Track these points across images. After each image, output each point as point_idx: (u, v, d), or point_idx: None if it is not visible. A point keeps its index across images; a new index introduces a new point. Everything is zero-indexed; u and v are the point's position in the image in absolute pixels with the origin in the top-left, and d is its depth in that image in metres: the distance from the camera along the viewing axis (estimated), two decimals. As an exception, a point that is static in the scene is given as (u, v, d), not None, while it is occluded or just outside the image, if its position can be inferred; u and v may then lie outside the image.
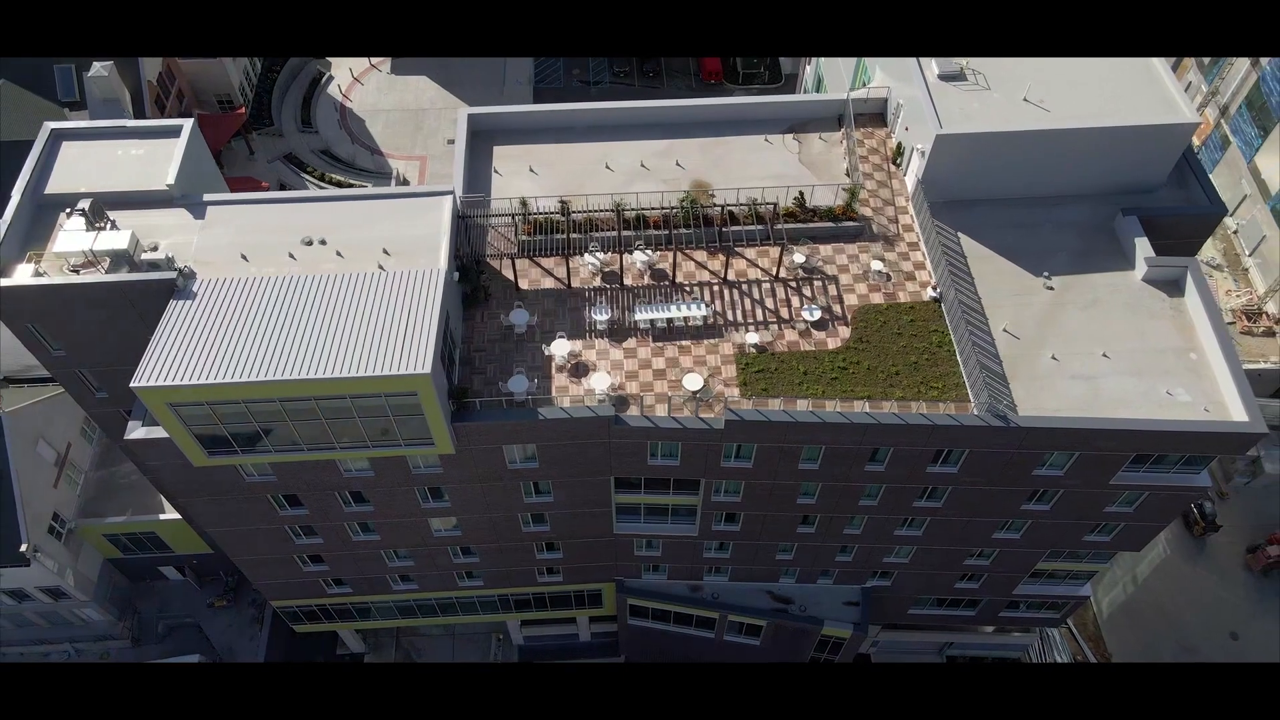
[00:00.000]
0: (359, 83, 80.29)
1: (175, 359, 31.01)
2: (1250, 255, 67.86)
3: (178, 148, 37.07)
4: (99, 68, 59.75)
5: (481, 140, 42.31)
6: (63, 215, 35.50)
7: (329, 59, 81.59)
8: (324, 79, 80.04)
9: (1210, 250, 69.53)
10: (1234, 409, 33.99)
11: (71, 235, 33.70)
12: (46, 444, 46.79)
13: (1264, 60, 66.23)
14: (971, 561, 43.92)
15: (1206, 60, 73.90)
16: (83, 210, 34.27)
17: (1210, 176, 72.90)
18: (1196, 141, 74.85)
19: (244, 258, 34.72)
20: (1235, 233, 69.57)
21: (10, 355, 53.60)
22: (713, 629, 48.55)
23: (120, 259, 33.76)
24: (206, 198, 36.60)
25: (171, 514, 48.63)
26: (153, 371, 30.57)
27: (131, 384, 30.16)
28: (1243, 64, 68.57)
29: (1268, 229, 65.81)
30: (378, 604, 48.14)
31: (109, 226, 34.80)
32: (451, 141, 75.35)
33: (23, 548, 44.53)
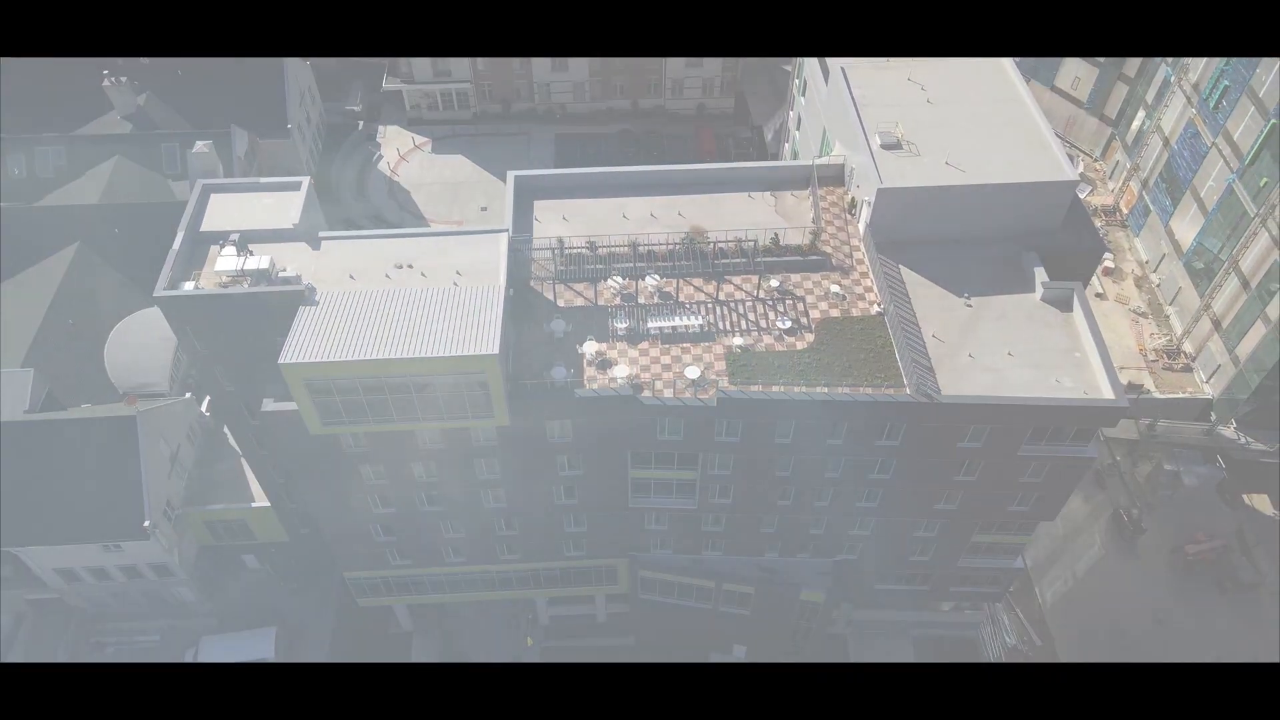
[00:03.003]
0: (405, 160, 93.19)
1: (308, 345, 41.86)
2: (1170, 304, 79.06)
3: (299, 198, 48.57)
4: (200, 145, 71.85)
5: (524, 195, 53.83)
6: (214, 247, 46.76)
7: (379, 140, 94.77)
8: (375, 157, 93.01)
9: (1136, 300, 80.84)
10: (1105, 391, 44.55)
11: (227, 259, 44.95)
12: (164, 441, 57.13)
13: (1174, 140, 78.71)
14: (920, 534, 53.78)
15: (1130, 140, 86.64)
16: (233, 241, 45.64)
17: (1137, 239, 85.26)
18: (1124, 210, 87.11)
19: (351, 277, 45.85)
20: (1158, 285, 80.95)
21: (125, 374, 64.57)
22: (710, 601, 57.97)
23: (261, 276, 44.88)
24: (321, 234, 47.94)
25: (260, 502, 58.58)
26: (293, 353, 41.41)
27: (279, 360, 40.94)
28: (1157, 143, 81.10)
29: (1182, 281, 77.12)
30: (430, 577, 57.79)
31: (249, 255, 46.04)
32: (484, 209, 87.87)
33: (145, 524, 54.48)
